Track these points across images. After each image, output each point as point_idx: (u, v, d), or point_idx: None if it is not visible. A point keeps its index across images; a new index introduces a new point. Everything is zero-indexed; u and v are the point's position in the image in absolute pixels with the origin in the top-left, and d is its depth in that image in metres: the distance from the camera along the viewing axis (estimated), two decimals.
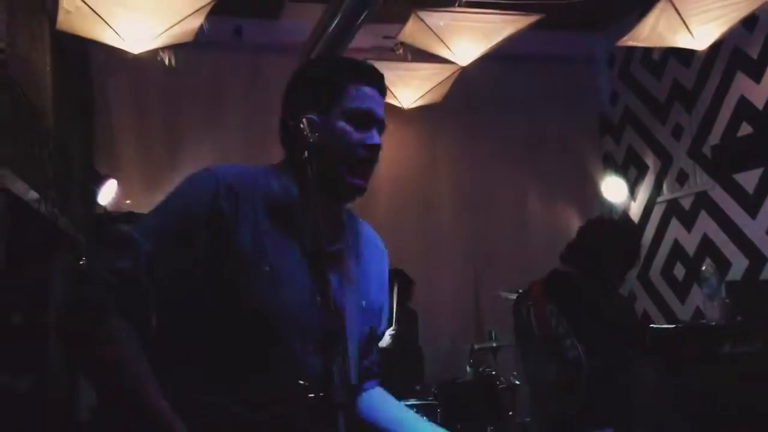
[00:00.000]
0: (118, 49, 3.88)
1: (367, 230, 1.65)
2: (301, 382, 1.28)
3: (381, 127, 1.51)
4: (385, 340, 4.35)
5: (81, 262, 3.96)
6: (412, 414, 1.68)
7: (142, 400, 1.27)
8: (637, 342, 2.87)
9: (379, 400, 1.66)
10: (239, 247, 1.36)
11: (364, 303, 1.51)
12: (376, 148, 1.46)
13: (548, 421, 3.00)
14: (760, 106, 4.58)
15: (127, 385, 1.28)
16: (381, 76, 1.53)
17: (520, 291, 3.28)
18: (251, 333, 1.37)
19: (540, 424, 3.27)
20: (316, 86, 1.50)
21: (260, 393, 1.35)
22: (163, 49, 4.13)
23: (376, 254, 1.64)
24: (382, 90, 1.53)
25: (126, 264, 1.32)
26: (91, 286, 1.32)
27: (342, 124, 1.45)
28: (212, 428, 1.31)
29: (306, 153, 1.36)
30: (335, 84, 1.48)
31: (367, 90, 1.48)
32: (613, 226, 3.17)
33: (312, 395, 1.24)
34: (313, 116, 1.43)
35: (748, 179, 4.65)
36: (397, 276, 4.95)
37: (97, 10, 3.56)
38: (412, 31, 4.45)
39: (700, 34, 4.12)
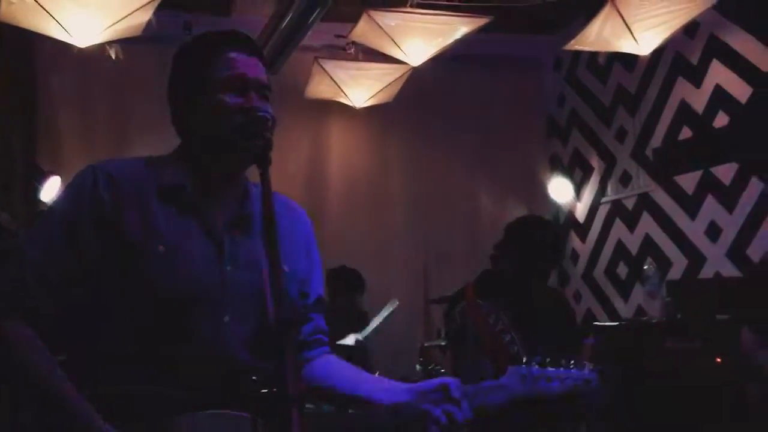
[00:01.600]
0: (64, 42, 3.79)
1: (283, 198, 1.63)
2: (254, 378, 1.28)
3: (261, 88, 1.48)
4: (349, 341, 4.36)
5: None
6: (367, 374, 1.68)
7: (50, 393, 1.28)
8: (572, 332, 2.96)
9: (334, 365, 1.65)
10: (128, 235, 1.37)
11: (286, 268, 1.48)
12: (254, 110, 1.43)
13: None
14: (699, 110, 4.72)
15: (31, 378, 1.30)
16: (246, 38, 1.52)
17: (449, 294, 3.36)
18: (163, 316, 1.37)
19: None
20: (185, 68, 1.52)
21: (190, 372, 1.35)
22: (110, 43, 4.06)
23: (296, 220, 1.63)
24: (253, 51, 1.51)
25: (13, 273, 1.34)
26: None
27: (217, 96, 1.44)
28: (149, 413, 1.30)
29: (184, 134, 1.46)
30: (201, 60, 1.49)
31: (234, 55, 1.48)
32: (535, 223, 3.27)
33: (264, 390, 1.24)
34: (187, 91, 1.47)
35: (688, 181, 4.80)
36: (350, 276, 4.95)
37: (41, 3, 3.48)
38: (363, 31, 4.47)
39: (643, 40, 4.24)
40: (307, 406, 1.67)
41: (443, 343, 4.65)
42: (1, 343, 1.30)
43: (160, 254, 1.37)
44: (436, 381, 1.53)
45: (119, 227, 1.38)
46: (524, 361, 1.66)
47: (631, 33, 4.15)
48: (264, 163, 1.33)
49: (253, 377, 1.30)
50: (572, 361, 1.68)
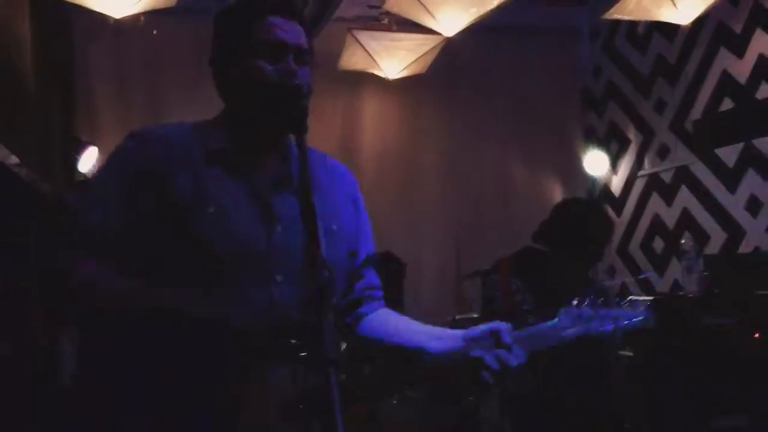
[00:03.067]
0: (100, 15, 3.82)
1: (324, 157, 1.63)
2: (293, 341, 1.29)
3: (299, 53, 1.47)
4: None
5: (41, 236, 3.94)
6: (418, 323, 1.65)
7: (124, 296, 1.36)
8: None
9: (384, 318, 1.65)
10: (178, 195, 1.40)
11: (334, 226, 1.50)
12: (290, 76, 1.43)
13: (508, 396, 3.05)
14: (742, 81, 4.61)
15: (106, 295, 1.37)
16: (286, 1, 1.50)
17: (483, 270, 3.34)
18: (214, 277, 1.39)
19: (498, 398, 3.34)
20: (225, 32, 1.51)
21: (242, 331, 1.36)
22: (145, 14, 4.07)
23: (338, 178, 1.62)
24: (293, 14, 1.50)
25: (77, 237, 1.40)
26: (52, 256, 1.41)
27: (254, 62, 1.44)
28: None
29: (227, 99, 1.47)
30: (240, 24, 1.48)
31: (273, 20, 1.46)
32: (584, 206, 3.21)
33: (303, 353, 1.25)
34: (228, 57, 1.47)
35: (729, 154, 4.70)
36: (387, 259, 4.95)
37: None
38: (398, 1, 4.42)
39: (684, 8, 4.14)
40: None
41: (475, 316, 4.66)
42: (77, 280, 1.37)
43: (209, 215, 1.38)
44: (486, 326, 1.51)
45: (170, 186, 1.40)
46: (574, 303, 1.63)
47: (672, 1, 4.04)
48: (299, 130, 1.33)
49: (293, 339, 1.30)
50: (626, 300, 1.64)
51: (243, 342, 1.31)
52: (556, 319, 1.61)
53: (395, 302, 5.04)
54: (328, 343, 1.08)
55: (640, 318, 1.65)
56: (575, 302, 1.63)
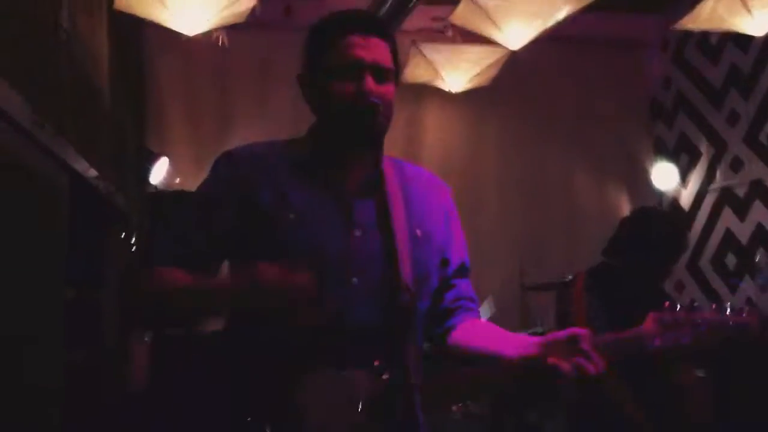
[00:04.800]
0: (171, 30, 3.92)
1: (419, 170, 1.67)
2: (376, 363, 1.30)
3: (378, 71, 1.47)
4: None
5: (133, 246, 4.05)
6: (497, 328, 1.63)
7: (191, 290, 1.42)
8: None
9: (470, 329, 1.62)
10: (262, 207, 1.45)
11: (418, 232, 1.51)
12: (365, 96, 1.44)
13: (571, 411, 2.97)
14: None
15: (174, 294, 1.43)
16: (367, 17, 1.54)
17: (568, 279, 3.25)
18: None
19: (565, 414, 3.24)
20: (311, 48, 1.55)
21: (318, 333, 1.38)
22: (216, 30, 4.16)
23: (431, 189, 1.64)
24: (374, 30, 1.50)
25: (175, 248, 1.48)
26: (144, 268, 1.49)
27: (331, 83, 1.47)
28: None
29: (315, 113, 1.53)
30: (320, 44, 1.51)
31: (351, 39, 1.47)
32: (655, 217, 3.05)
33: (385, 377, 1.26)
34: (310, 75, 1.52)
35: None
36: None
37: None
38: (464, 13, 4.40)
39: (761, 17, 4.00)
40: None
41: (540, 331, 4.58)
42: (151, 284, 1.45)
43: (290, 221, 1.43)
44: (566, 332, 1.44)
45: (255, 200, 1.46)
46: (666, 305, 1.49)
47: (749, 10, 3.92)
48: (372, 146, 1.40)
49: (374, 359, 1.32)
50: (727, 304, 1.48)
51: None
52: (643, 325, 1.48)
53: None
54: (413, 367, 1.08)
55: (743, 325, 1.45)
56: (666, 306, 1.48)
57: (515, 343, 1.51)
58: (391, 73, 1.51)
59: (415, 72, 5.18)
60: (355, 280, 1.43)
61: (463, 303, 1.64)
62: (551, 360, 1.40)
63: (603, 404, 2.64)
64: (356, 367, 1.34)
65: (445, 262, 1.60)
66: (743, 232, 5.10)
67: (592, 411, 2.75)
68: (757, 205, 4.97)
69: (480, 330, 1.62)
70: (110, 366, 3.60)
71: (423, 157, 5.78)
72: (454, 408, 3.59)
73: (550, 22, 4.39)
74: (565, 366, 1.39)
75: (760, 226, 4.94)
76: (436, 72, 5.09)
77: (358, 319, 1.40)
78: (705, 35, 5.38)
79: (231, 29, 4.26)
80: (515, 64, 5.01)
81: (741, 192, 5.14)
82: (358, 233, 1.46)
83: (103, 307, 3.47)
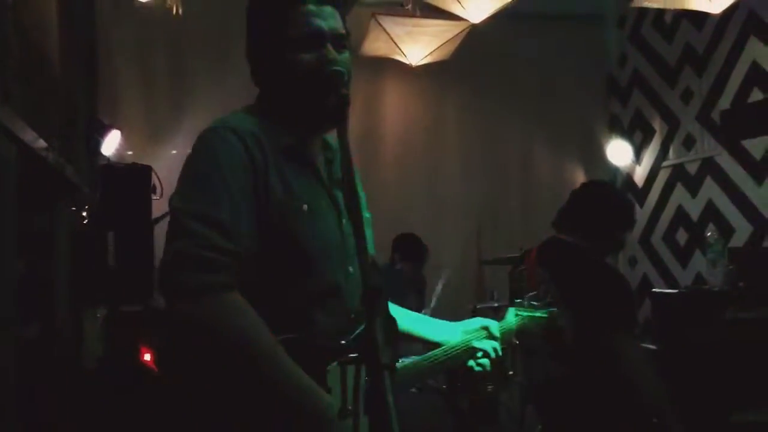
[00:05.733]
0: None
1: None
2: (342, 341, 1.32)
3: (336, 38, 1.44)
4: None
5: (85, 219, 3.95)
6: (419, 315, 1.85)
7: (278, 367, 1.26)
8: (624, 324, 2.76)
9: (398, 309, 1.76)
10: (274, 194, 1.37)
11: (368, 215, 1.54)
12: (330, 65, 1.40)
13: (535, 386, 3.02)
14: None
15: (263, 361, 1.26)
16: None
17: (504, 257, 3.28)
18: (308, 270, 1.39)
19: (528, 387, 3.29)
20: (259, 25, 1.46)
21: (330, 324, 1.39)
22: None
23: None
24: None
25: (221, 242, 1.28)
26: (195, 269, 1.26)
27: (293, 56, 1.41)
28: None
29: (268, 91, 1.47)
30: (274, 16, 1.43)
31: (308, 8, 1.43)
32: (602, 190, 3.06)
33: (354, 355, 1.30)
34: (265, 50, 1.44)
35: (757, 146, 4.62)
36: (412, 242, 4.93)
37: None
38: None
39: None
40: None
41: (496, 305, 4.63)
42: (229, 327, 1.25)
43: (304, 213, 1.39)
44: (478, 322, 1.81)
45: (267, 187, 1.37)
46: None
47: None
48: (341, 120, 1.30)
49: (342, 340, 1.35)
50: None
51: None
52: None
53: (419, 283, 5.04)
54: (381, 347, 1.07)
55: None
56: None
57: (442, 330, 1.81)
58: (348, 41, 1.48)
59: (374, 45, 5.13)
60: (351, 269, 1.45)
61: None
62: (474, 343, 1.78)
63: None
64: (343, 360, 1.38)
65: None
66: (695, 208, 5.21)
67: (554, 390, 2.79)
68: (709, 181, 5.08)
69: (402, 316, 1.74)
70: (63, 342, 3.53)
71: (382, 130, 5.76)
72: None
73: None
74: (485, 347, 1.77)
75: (710, 203, 5.06)
76: (395, 46, 5.05)
77: (355, 307, 1.43)
78: (660, 12, 5.44)
79: None
80: (475, 38, 5.00)
81: (693, 169, 5.24)
82: (344, 221, 1.46)
83: (54, 281, 3.39)
